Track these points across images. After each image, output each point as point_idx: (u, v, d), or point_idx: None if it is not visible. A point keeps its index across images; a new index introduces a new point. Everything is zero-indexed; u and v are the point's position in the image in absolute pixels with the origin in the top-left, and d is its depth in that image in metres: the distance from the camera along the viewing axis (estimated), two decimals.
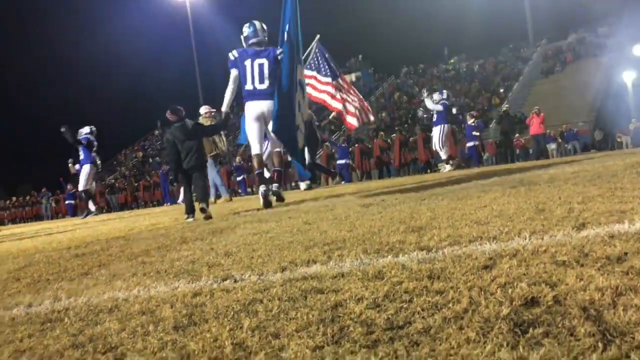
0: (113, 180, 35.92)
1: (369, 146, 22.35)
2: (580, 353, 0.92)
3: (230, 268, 2.16)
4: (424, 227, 2.58)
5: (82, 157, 12.50)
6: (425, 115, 16.56)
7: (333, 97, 11.80)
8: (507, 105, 25.55)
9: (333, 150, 20.89)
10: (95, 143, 12.61)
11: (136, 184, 29.70)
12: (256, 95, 6.34)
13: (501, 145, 20.27)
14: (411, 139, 21.29)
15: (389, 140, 22.33)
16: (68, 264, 3.02)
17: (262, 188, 6.34)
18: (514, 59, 38.90)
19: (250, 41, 6.44)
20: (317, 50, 11.92)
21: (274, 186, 6.45)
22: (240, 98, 6.55)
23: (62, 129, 11.81)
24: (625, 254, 1.52)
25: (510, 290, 1.30)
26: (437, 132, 14.43)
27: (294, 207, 5.60)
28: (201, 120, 11.05)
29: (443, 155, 14.67)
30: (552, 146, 22.51)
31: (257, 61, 6.37)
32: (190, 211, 5.78)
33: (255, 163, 6.66)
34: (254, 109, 6.38)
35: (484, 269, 1.57)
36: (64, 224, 11.26)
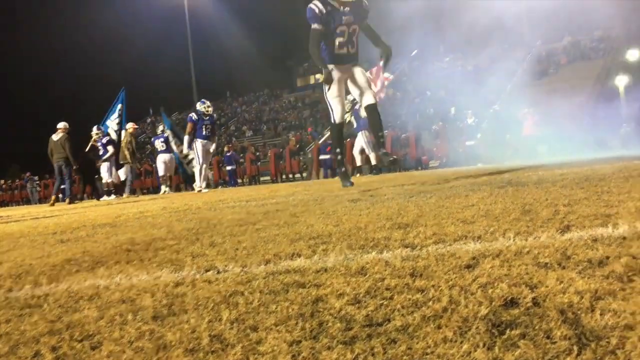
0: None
1: None
2: (555, 356, 0.92)
3: (215, 259, 2.15)
4: (410, 224, 2.59)
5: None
6: None
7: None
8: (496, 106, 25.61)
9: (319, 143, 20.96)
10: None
11: None
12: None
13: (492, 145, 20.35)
14: (403, 135, 21.34)
15: None
16: (52, 249, 3.00)
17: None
18: (507, 59, 38.91)
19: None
20: None
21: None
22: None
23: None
24: (607, 257, 1.53)
25: (490, 291, 1.30)
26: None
27: (282, 199, 5.59)
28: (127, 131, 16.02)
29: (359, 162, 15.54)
30: (543, 148, 22.56)
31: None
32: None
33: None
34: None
35: (466, 268, 1.58)
36: (51, 209, 11.16)
